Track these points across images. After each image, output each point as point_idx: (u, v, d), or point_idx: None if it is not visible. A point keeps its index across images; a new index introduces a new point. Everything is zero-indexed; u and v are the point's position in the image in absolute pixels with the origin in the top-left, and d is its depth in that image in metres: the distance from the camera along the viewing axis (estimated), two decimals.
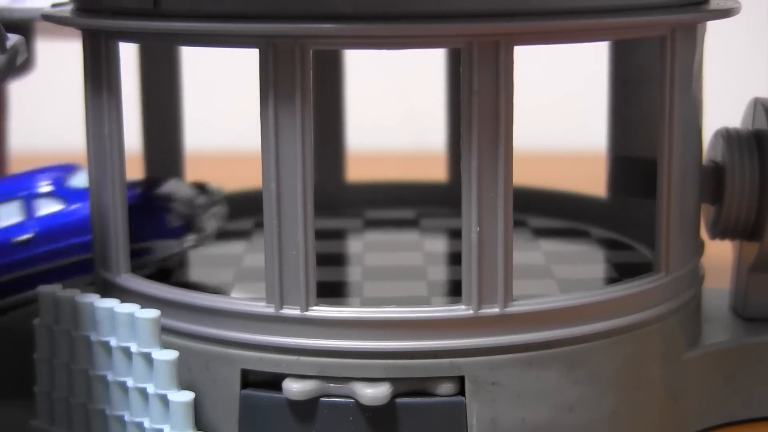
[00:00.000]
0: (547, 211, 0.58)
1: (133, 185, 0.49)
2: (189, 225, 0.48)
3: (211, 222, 0.48)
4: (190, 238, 0.48)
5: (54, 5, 0.50)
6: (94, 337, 0.44)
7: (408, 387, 0.43)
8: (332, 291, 0.46)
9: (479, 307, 0.43)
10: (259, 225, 0.49)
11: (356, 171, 0.65)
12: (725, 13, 0.46)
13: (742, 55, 0.98)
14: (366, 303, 0.46)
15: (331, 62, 0.63)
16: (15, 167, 0.69)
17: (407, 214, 0.61)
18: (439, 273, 0.51)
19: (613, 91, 0.57)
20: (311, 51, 0.42)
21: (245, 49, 0.43)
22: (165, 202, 0.49)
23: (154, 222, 0.48)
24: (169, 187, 0.49)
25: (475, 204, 0.42)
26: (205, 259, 0.53)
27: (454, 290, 0.44)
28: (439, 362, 0.43)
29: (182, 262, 0.51)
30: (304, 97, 0.42)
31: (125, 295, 0.47)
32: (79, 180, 0.51)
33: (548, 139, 1.02)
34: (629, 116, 0.56)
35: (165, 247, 0.48)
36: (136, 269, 0.46)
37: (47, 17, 0.48)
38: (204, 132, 0.82)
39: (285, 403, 0.43)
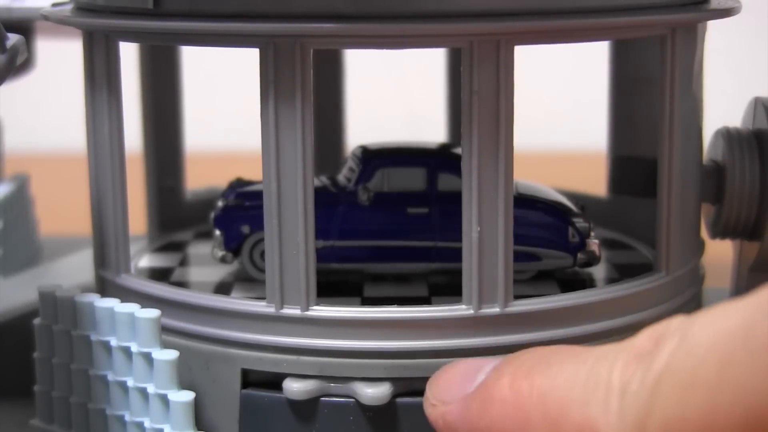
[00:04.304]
0: None
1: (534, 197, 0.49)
2: (583, 244, 0.48)
3: (596, 245, 0.48)
4: (581, 257, 0.48)
5: (54, 5, 0.50)
6: (94, 337, 0.44)
7: (408, 387, 0.43)
8: (332, 291, 0.46)
9: (479, 307, 0.43)
10: None
11: None
12: (725, 13, 0.46)
13: (742, 55, 0.98)
14: (366, 303, 0.46)
15: (331, 62, 0.63)
16: (15, 167, 0.69)
17: None
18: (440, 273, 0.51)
19: (613, 91, 0.57)
20: (311, 51, 0.42)
21: (245, 49, 0.43)
22: (570, 215, 0.48)
23: (557, 232, 0.48)
24: (566, 201, 0.49)
25: (475, 204, 0.42)
26: (205, 259, 0.53)
27: (454, 290, 0.44)
28: (439, 362, 0.43)
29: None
30: (304, 97, 0.42)
31: (125, 294, 0.47)
32: None
33: (548, 139, 1.02)
34: (629, 116, 0.56)
35: (555, 258, 0.48)
36: (516, 272, 0.44)
37: (47, 17, 0.48)
38: (204, 132, 0.82)
39: (285, 403, 0.43)
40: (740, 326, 0.31)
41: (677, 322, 0.33)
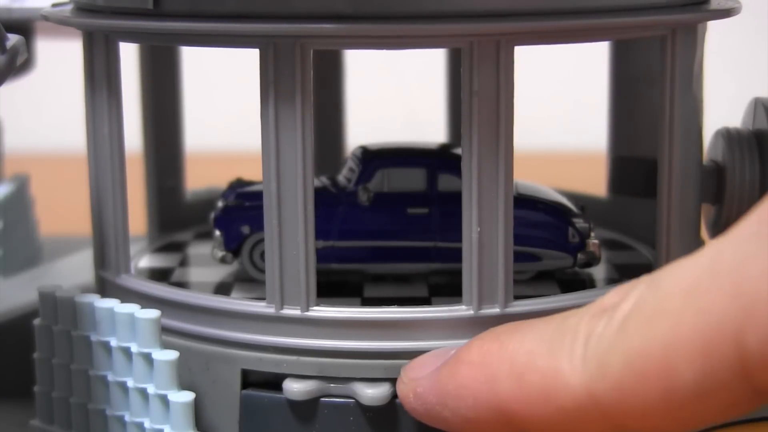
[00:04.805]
0: None
1: (535, 198, 0.49)
2: (583, 244, 0.48)
3: (596, 245, 0.48)
4: (581, 257, 0.48)
5: (54, 5, 0.50)
6: (94, 337, 0.44)
7: None
8: (332, 291, 0.46)
9: (479, 308, 0.43)
10: None
11: None
12: (725, 13, 0.46)
13: (742, 55, 0.98)
14: (366, 303, 0.46)
15: (331, 62, 0.63)
16: (15, 167, 0.69)
17: None
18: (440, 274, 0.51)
19: (613, 91, 0.57)
20: (311, 51, 0.42)
21: (245, 49, 0.43)
22: (570, 215, 0.48)
23: (557, 232, 0.48)
24: (566, 201, 0.49)
25: (475, 204, 0.42)
26: (205, 260, 0.53)
27: (454, 290, 0.44)
28: None
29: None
30: (304, 97, 0.42)
31: (125, 295, 0.47)
32: None
33: (548, 139, 1.02)
34: (629, 116, 0.56)
35: (554, 259, 0.48)
36: (516, 273, 0.44)
37: (47, 17, 0.48)
38: (204, 132, 0.82)
39: (285, 403, 0.43)
40: (706, 256, 0.31)
41: (644, 276, 0.33)
